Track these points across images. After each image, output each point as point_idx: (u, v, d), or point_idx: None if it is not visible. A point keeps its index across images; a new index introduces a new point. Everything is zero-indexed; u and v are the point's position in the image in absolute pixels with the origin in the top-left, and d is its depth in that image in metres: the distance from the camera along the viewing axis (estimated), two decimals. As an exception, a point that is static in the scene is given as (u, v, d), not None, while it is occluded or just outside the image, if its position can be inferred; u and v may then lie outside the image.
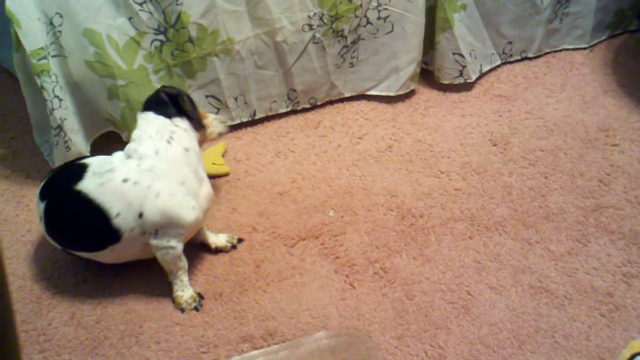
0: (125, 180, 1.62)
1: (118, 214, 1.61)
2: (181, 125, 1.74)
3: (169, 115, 1.73)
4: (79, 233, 1.70)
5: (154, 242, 1.64)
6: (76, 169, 1.70)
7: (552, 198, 1.93)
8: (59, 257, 1.84)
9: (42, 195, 1.73)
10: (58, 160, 2.03)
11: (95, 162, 1.70)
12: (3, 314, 0.82)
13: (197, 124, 1.79)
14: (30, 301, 1.75)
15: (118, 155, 1.71)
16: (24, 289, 1.78)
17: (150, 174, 1.63)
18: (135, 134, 1.72)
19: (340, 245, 1.85)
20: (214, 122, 1.88)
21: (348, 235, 1.87)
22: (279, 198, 2.00)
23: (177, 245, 1.67)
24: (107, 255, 1.70)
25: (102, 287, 1.77)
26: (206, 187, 1.75)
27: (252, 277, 1.78)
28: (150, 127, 1.71)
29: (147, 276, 1.78)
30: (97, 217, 1.62)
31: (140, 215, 1.61)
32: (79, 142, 2.03)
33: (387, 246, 1.83)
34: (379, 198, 1.98)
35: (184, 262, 1.71)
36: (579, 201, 1.91)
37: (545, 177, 2.00)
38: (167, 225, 1.63)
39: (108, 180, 1.63)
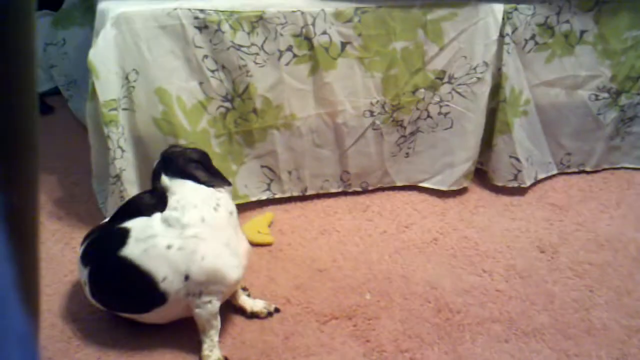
0: (169, 247, 1.63)
1: (165, 278, 1.63)
2: (223, 190, 1.76)
3: (210, 184, 1.73)
4: (125, 297, 1.73)
5: (194, 298, 1.66)
6: (117, 234, 1.70)
7: (596, 313, 1.87)
8: (95, 300, 1.88)
9: (85, 261, 1.75)
10: (111, 208, 2.09)
11: (137, 227, 1.69)
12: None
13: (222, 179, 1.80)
14: (60, 340, 1.77)
15: (157, 218, 1.69)
16: (56, 327, 1.80)
17: (195, 239, 1.65)
18: (175, 201, 1.69)
19: (372, 329, 1.82)
20: None
21: (382, 321, 1.85)
22: (318, 274, 2.01)
23: (216, 302, 1.68)
24: (152, 317, 1.72)
25: (133, 336, 1.78)
26: (244, 244, 1.77)
27: (279, 348, 1.76)
28: (195, 196, 1.70)
29: (179, 332, 1.78)
30: (144, 281, 1.64)
31: (187, 277, 1.63)
32: (133, 194, 2.09)
33: (420, 337, 1.80)
34: (417, 288, 1.96)
35: (217, 322, 1.71)
36: (623, 319, 1.85)
37: (591, 291, 1.95)
38: (212, 285, 1.65)
39: (152, 247, 1.64)
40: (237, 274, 1.69)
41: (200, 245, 1.64)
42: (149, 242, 1.65)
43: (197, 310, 1.67)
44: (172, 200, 1.70)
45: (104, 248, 1.75)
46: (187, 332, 1.75)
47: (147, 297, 1.67)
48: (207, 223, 1.68)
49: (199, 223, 1.67)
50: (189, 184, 1.73)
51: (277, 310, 1.87)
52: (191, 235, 1.65)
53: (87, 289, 1.75)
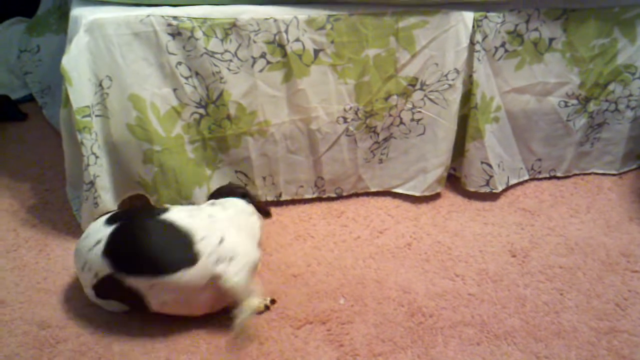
0: (210, 216, 1.85)
1: (203, 238, 1.75)
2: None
3: (251, 200, 2.03)
4: (150, 255, 1.73)
5: (224, 268, 1.74)
6: (156, 209, 1.95)
7: (566, 315, 1.90)
8: (70, 307, 1.87)
9: (111, 221, 1.81)
10: (85, 215, 2.09)
11: (179, 207, 1.92)
12: None
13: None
14: (32, 347, 1.76)
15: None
16: (29, 334, 1.79)
17: (231, 219, 1.87)
18: (222, 201, 1.97)
19: (346, 333, 1.83)
20: None
21: (355, 325, 1.86)
22: (292, 280, 2.02)
23: (243, 275, 1.78)
24: (179, 281, 1.72)
25: (104, 344, 1.78)
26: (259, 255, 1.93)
27: (254, 353, 1.77)
28: (237, 200, 1.98)
29: (152, 347, 1.79)
30: (181, 238, 1.75)
31: (221, 240, 1.76)
32: (107, 200, 2.09)
33: (393, 341, 1.82)
34: (391, 292, 1.97)
35: (254, 286, 1.83)
36: (592, 322, 1.88)
37: (561, 294, 1.98)
38: (241, 255, 1.78)
39: (196, 214, 1.85)
40: (258, 255, 1.89)
41: (235, 220, 1.88)
42: (193, 211, 1.87)
43: (228, 283, 1.75)
44: (219, 201, 1.98)
45: (138, 213, 1.94)
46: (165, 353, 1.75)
47: (179, 255, 1.73)
48: (240, 216, 1.92)
49: (234, 213, 1.91)
50: (234, 199, 2.00)
51: (272, 301, 1.93)
52: (230, 215, 1.89)
53: (99, 247, 1.74)
